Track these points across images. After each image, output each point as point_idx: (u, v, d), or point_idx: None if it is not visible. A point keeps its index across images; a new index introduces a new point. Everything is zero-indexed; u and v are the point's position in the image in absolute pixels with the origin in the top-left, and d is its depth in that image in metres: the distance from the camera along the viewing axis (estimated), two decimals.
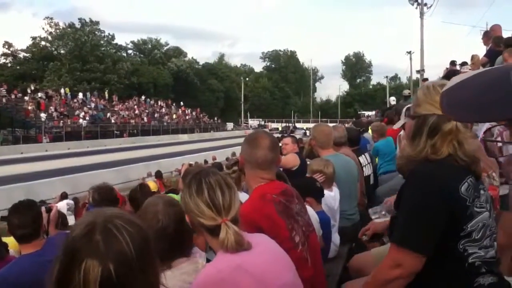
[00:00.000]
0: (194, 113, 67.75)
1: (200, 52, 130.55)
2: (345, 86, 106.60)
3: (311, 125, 59.49)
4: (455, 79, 1.39)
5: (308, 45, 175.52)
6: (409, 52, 39.96)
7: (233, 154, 20.15)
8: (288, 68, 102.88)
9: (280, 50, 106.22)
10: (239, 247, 1.56)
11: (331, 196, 3.53)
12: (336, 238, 3.47)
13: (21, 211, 2.76)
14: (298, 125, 66.00)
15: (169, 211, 1.88)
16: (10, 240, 3.99)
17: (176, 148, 35.04)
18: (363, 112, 59.47)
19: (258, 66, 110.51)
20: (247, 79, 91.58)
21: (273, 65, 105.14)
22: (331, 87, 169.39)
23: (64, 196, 11.71)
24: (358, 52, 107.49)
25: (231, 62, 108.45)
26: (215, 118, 72.18)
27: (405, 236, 1.71)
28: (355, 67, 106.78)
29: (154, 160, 24.63)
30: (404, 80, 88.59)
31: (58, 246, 2.69)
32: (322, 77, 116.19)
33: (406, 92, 14.04)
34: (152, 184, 7.60)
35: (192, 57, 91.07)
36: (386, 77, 67.72)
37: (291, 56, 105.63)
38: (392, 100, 15.13)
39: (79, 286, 0.93)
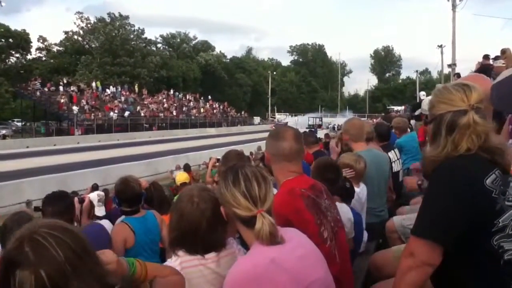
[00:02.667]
0: (221, 107, 68.07)
1: (228, 46, 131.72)
2: (373, 81, 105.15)
3: (338, 119, 58.97)
4: (505, 73, 1.38)
5: (337, 39, 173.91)
6: (440, 46, 38.95)
7: (259, 148, 20.18)
8: (316, 62, 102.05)
9: (308, 44, 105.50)
10: (273, 239, 1.58)
11: (357, 192, 3.49)
12: (364, 234, 3.45)
13: (55, 200, 2.88)
14: (325, 119, 65.30)
15: (203, 194, 1.91)
16: None
17: (203, 142, 35.34)
18: (391, 107, 58.32)
19: (286, 60, 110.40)
20: (274, 73, 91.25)
21: (300, 59, 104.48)
22: (360, 81, 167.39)
23: (95, 188, 11.93)
24: (387, 46, 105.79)
25: (259, 56, 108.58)
26: (242, 112, 72.36)
27: (418, 225, 1.70)
28: (384, 61, 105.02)
29: (182, 153, 24.90)
30: (434, 74, 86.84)
31: (90, 235, 2.78)
32: (350, 71, 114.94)
33: (439, 86, 13.67)
34: (184, 176, 7.69)
35: (220, 51, 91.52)
36: (416, 71, 66.08)
37: (319, 50, 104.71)
38: (422, 95, 14.79)
39: None
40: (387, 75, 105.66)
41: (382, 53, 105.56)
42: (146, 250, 3.43)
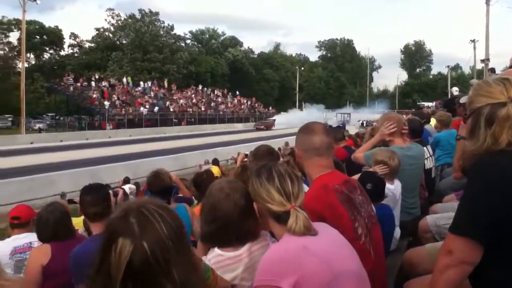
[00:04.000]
0: (249, 103, 68.20)
1: (256, 42, 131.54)
2: (403, 76, 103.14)
3: (367, 115, 58.02)
4: None
5: (366, 33, 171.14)
6: (473, 41, 37.90)
7: (287, 143, 20.11)
8: (344, 57, 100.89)
9: (336, 39, 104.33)
10: (307, 232, 1.62)
11: (391, 189, 3.43)
12: (396, 232, 3.40)
13: (93, 190, 2.94)
14: (353, 115, 64.35)
15: (234, 185, 1.95)
16: (76, 221, 4.27)
17: (231, 137, 35.52)
18: (422, 103, 57.00)
19: (314, 56, 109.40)
20: (302, 68, 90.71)
21: (329, 54, 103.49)
22: (389, 77, 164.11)
23: (126, 181, 12.24)
24: (418, 41, 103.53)
25: (286, 52, 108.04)
26: (270, 108, 72.31)
27: (457, 222, 1.67)
28: (415, 56, 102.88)
29: (210, 148, 25.10)
30: (466, 70, 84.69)
31: None
32: (379, 67, 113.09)
33: (474, 81, 13.29)
34: (216, 169, 7.83)
35: (247, 47, 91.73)
36: (448, 66, 64.57)
37: (348, 45, 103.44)
38: (455, 90, 14.41)
39: (115, 262, 1.03)
40: (417, 70, 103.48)
41: (413, 48, 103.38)
42: None
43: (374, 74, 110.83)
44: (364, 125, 41.80)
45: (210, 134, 39.18)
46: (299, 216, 1.62)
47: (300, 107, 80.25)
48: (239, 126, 53.30)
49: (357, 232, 2.10)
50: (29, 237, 3.80)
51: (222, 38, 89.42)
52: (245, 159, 7.58)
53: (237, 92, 69.21)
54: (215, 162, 14.54)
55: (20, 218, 3.91)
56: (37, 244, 3.59)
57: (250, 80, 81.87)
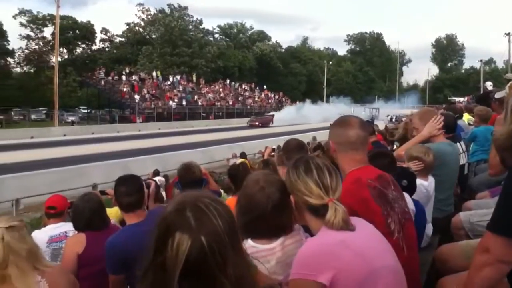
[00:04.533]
0: (276, 97, 68.09)
1: (284, 36, 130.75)
2: (434, 70, 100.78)
3: (396, 111, 56.97)
4: None
5: (396, 27, 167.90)
6: (508, 34, 36.61)
7: (314, 138, 20.00)
8: (373, 51, 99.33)
9: (365, 33, 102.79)
10: (345, 226, 1.60)
11: (424, 185, 3.38)
12: (429, 228, 3.36)
13: (127, 181, 2.96)
14: (382, 110, 63.19)
15: (269, 178, 1.93)
16: (110, 211, 4.37)
17: (258, 131, 35.57)
18: (453, 98, 55.54)
19: (342, 50, 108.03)
20: (330, 62, 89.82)
21: (357, 48, 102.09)
22: (419, 71, 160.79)
23: (156, 174, 12.44)
24: (450, 34, 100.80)
25: (314, 46, 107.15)
26: (297, 102, 72.04)
27: (493, 220, 1.62)
28: (447, 50, 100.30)
29: (238, 142, 25.22)
30: (500, 64, 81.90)
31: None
32: (409, 61, 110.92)
33: (509, 75, 12.84)
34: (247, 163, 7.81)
35: (275, 41, 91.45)
36: (481, 60, 62.51)
37: (377, 39, 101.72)
38: (489, 85, 13.97)
39: (171, 256, 1.03)
40: (449, 64, 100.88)
41: (444, 41, 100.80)
42: None
43: (404, 68, 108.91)
44: (393, 120, 41.06)
45: (237, 128, 39.30)
46: (338, 209, 1.61)
47: (328, 102, 79.59)
48: None
49: (390, 228, 2.07)
50: (64, 227, 3.89)
51: (250, 32, 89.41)
52: (272, 153, 7.59)
53: (265, 87, 69.18)
54: (243, 155, 14.62)
55: (55, 208, 3.99)
56: (72, 233, 3.67)
57: (277, 74, 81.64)
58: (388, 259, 1.67)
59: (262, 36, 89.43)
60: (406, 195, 2.80)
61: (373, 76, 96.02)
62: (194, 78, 59.25)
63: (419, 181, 3.27)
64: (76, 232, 3.45)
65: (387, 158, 2.96)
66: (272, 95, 67.73)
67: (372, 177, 2.17)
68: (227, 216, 1.11)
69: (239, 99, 59.07)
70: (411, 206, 2.83)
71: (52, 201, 4.10)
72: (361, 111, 58.85)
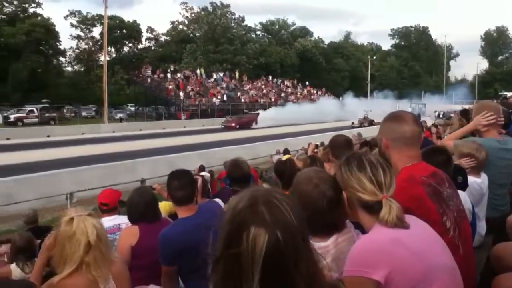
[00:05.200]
0: (319, 93, 67.53)
1: (326, 31, 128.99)
2: (484, 64, 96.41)
3: (444, 106, 54.98)
4: None
5: (442, 20, 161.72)
6: None
7: (359, 134, 19.68)
8: (419, 45, 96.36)
9: (411, 26, 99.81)
10: (399, 223, 1.57)
11: (477, 183, 3.27)
12: (482, 227, 3.26)
13: (180, 175, 3.04)
14: (429, 106, 61.07)
15: (322, 175, 1.91)
16: (161, 205, 4.52)
17: (301, 128, 35.40)
18: (504, 92, 53.00)
19: (386, 44, 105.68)
20: (374, 57, 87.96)
21: (402, 43, 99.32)
22: (467, 65, 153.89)
23: (201, 169, 12.63)
24: (500, 27, 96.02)
25: (357, 41, 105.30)
26: (340, 98, 71.13)
27: None
28: (497, 43, 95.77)
29: (281, 138, 25.20)
30: None
31: (209, 212, 2.92)
32: (457, 55, 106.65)
33: None
34: None
35: (317, 37, 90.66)
36: None
37: (423, 32, 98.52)
38: None
39: (247, 251, 1.02)
40: (499, 58, 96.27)
41: (494, 34, 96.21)
42: None
43: (452, 62, 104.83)
44: (441, 116, 39.75)
45: (280, 124, 39.25)
46: (393, 206, 1.58)
47: (372, 98, 77.99)
48: None
49: (445, 226, 2.03)
50: (117, 219, 4.07)
51: (292, 28, 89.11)
52: (316, 150, 7.55)
53: (307, 83, 68.71)
54: (286, 152, 14.59)
55: (108, 205, 4.19)
56: (124, 226, 3.81)
57: (320, 70, 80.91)
58: (444, 258, 1.65)
59: (304, 32, 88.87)
60: (463, 194, 2.75)
61: (419, 71, 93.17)
62: (237, 75, 59.72)
63: (471, 178, 3.18)
64: (129, 224, 3.55)
65: (444, 155, 2.86)
66: (315, 91, 67.18)
67: (426, 174, 2.12)
68: (298, 212, 1.10)
69: (281, 95, 58.99)
70: (467, 205, 2.76)
71: (104, 197, 4.28)
72: (407, 107, 57.14)
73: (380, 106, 45.46)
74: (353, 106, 49.14)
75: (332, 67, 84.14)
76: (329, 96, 67.23)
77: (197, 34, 71.06)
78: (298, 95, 62.18)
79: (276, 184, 5.00)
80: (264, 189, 1.15)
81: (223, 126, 38.81)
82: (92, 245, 2.09)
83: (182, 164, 15.19)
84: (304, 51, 79.76)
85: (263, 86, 59.12)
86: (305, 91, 65.68)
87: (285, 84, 65.21)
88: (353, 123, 40.41)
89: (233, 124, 39.20)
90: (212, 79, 54.10)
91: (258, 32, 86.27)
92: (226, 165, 3.97)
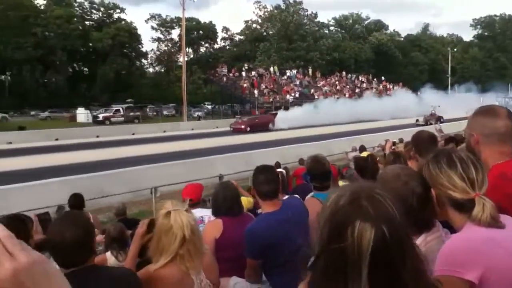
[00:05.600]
0: (396, 88, 65.22)
1: (402, 24, 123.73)
2: None
3: None
4: None
5: None
6: None
7: (440, 130, 18.75)
8: (505, 35, 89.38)
9: (495, 15, 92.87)
10: (493, 223, 1.50)
11: None
12: None
13: (265, 170, 3.10)
14: None
15: (409, 172, 1.87)
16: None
17: (377, 124, 34.46)
18: None
19: (468, 35, 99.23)
20: (454, 49, 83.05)
21: (486, 33, 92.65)
22: None
23: (277, 166, 12.78)
24: None
25: (436, 33, 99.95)
26: (418, 93, 68.08)
27: None
28: None
29: (356, 135, 24.70)
30: None
31: (293, 208, 2.96)
32: None
33: None
34: None
35: (393, 30, 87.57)
36: None
37: (509, 21, 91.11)
38: None
39: (353, 246, 1.01)
40: None
41: None
42: None
43: None
44: None
45: (355, 121, 38.38)
46: (486, 205, 1.51)
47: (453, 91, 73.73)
48: None
49: None
50: (201, 212, 4.21)
51: (366, 22, 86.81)
52: (393, 147, 7.36)
53: (383, 78, 66.61)
54: (362, 149, 14.30)
55: (192, 200, 4.28)
56: (207, 219, 3.96)
57: (396, 64, 78.11)
58: None
59: (379, 26, 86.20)
60: None
61: (505, 62, 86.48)
62: (310, 72, 59.40)
63: None
64: (212, 217, 3.64)
65: None
66: (391, 86, 64.94)
67: None
68: (399, 208, 1.09)
69: (356, 91, 57.73)
70: None
71: (189, 193, 4.46)
72: (493, 101, 53.20)
73: (462, 100, 42.50)
74: (432, 100, 45.98)
75: (409, 61, 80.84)
76: (406, 90, 64.59)
77: (271, 32, 71.53)
78: (374, 91, 60.51)
79: (357, 181, 4.96)
80: (364, 185, 1.15)
81: (231, 129, 34.38)
82: (187, 239, 2.18)
83: (258, 160, 15.42)
84: (379, 45, 77.39)
85: (337, 82, 58.23)
86: (381, 86, 63.70)
87: (360, 79, 63.71)
88: (417, 120, 37.19)
89: (243, 127, 34.33)
90: (285, 76, 54.31)
91: (331, 28, 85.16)
92: (306, 161, 3.99)
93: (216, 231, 3.31)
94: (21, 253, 0.64)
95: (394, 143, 8.88)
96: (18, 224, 2.85)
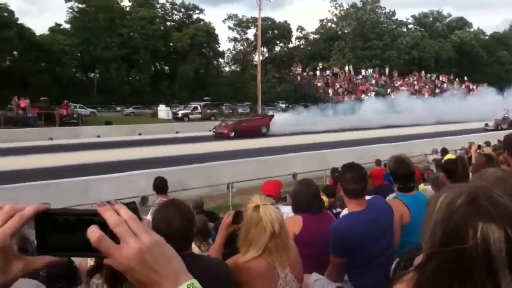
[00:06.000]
0: (480, 88, 61.39)
1: (487, 22, 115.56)
2: None
3: None
4: None
5: None
6: None
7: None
8: None
9: None
10: None
11: None
12: None
13: (354, 168, 3.10)
14: None
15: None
16: None
17: (460, 126, 32.68)
18: None
19: None
20: None
21: None
22: None
23: None
24: None
25: None
26: (504, 94, 63.45)
27: None
28: None
29: (438, 137, 23.54)
30: None
31: (379, 209, 2.92)
32: None
33: None
34: None
35: (477, 28, 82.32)
36: None
37: None
38: None
39: (476, 249, 0.97)
40: None
41: None
42: (418, 229, 3.45)
43: None
44: None
45: (438, 122, 36.52)
46: None
47: None
48: None
49: None
50: (281, 209, 4.39)
51: (447, 20, 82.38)
52: (478, 150, 7.00)
53: (465, 78, 62.96)
54: (444, 152, 13.67)
55: (271, 196, 4.50)
56: (285, 215, 4.10)
57: (480, 63, 73.45)
58: None
59: (461, 23, 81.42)
60: None
61: None
62: (387, 71, 57.67)
63: None
64: (291, 214, 3.60)
65: None
66: (474, 87, 61.18)
67: None
68: None
69: (436, 91, 55.11)
70: None
71: (267, 189, 4.56)
72: None
73: None
74: None
75: (495, 60, 75.69)
76: (490, 90, 60.44)
77: (346, 31, 70.44)
78: (455, 92, 57.42)
79: (442, 184, 4.78)
80: (480, 185, 1.13)
81: (213, 133, 30.69)
82: (276, 233, 2.22)
83: (334, 160, 15.37)
84: (462, 43, 73.21)
85: (415, 82, 55.97)
86: (463, 87, 60.25)
87: (440, 79, 60.69)
88: (486, 124, 34.12)
89: (225, 131, 30.22)
90: (360, 76, 53.24)
91: (410, 26, 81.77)
92: (389, 162, 3.93)
93: (295, 227, 3.28)
94: (144, 234, 0.70)
95: (479, 146, 8.45)
96: (131, 210, 3.12)
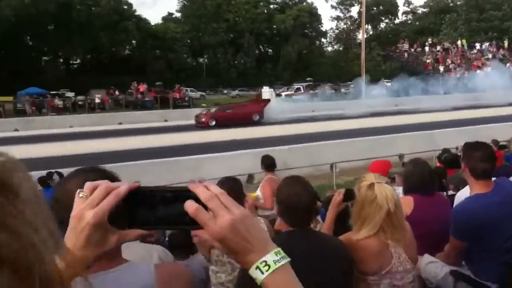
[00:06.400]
0: None
1: None
2: None
3: None
4: None
5: None
6: None
7: None
8: None
9: None
10: None
11: None
12: None
13: (482, 147, 2.93)
14: None
15: None
16: None
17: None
18: None
19: None
20: None
21: None
22: None
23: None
24: None
25: None
26: None
27: None
28: None
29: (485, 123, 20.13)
30: None
31: (505, 190, 2.82)
32: None
33: None
34: None
35: None
36: None
37: None
38: None
39: None
40: None
41: None
42: None
43: None
44: None
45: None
46: None
47: None
48: None
49: None
50: None
51: None
52: None
53: None
54: (495, 143, 11.92)
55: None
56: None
57: None
58: None
59: None
60: None
61: None
62: (506, 44, 52.29)
63: None
64: (401, 195, 3.48)
65: None
66: None
67: None
68: None
69: None
70: None
71: (375, 169, 4.59)
72: None
73: None
74: None
75: None
76: None
77: (458, 3, 65.12)
78: None
79: None
80: None
81: (195, 123, 27.17)
82: (391, 212, 2.21)
83: (442, 141, 14.65)
84: None
85: None
86: None
87: None
88: None
89: (203, 120, 26.80)
90: (475, 50, 49.00)
91: None
92: (511, 142, 3.74)
93: (406, 208, 3.09)
94: (235, 207, 0.77)
95: None
96: (233, 183, 3.45)
